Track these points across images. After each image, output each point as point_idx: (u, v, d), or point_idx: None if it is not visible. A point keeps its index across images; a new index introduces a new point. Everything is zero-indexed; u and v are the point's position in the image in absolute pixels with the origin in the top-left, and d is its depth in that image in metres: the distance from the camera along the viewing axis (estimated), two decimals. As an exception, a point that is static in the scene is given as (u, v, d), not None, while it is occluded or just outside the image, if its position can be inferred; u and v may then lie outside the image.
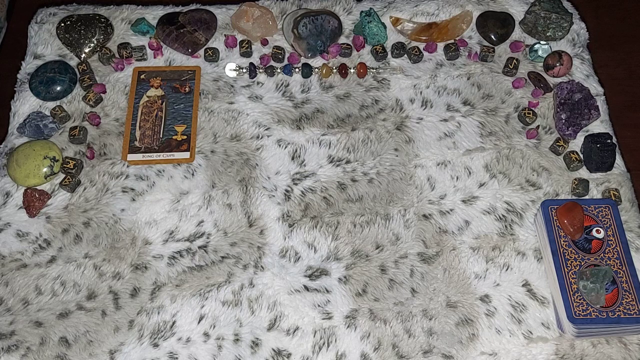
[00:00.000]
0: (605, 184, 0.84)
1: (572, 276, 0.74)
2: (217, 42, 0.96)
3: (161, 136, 0.87)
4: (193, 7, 0.98)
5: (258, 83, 0.92)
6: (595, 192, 0.83)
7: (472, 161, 0.86)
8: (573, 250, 0.75)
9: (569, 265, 0.74)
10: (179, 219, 0.82)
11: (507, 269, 0.79)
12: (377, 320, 0.76)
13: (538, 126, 0.88)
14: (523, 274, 0.78)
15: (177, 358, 0.74)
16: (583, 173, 0.85)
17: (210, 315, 0.76)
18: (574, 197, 0.83)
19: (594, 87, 0.92)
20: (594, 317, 0.71)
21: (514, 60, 0.92)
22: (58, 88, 0.90)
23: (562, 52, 0.91)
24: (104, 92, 0.91)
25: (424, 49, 0.95)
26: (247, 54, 0.94)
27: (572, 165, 0.84)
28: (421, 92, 0.92)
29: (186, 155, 0.86)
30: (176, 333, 0.75)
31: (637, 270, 0.75)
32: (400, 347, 0.74)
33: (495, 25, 0.96)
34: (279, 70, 0.93)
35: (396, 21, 0.97)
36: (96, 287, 0.78)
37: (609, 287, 0.73)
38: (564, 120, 0.86)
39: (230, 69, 0.93)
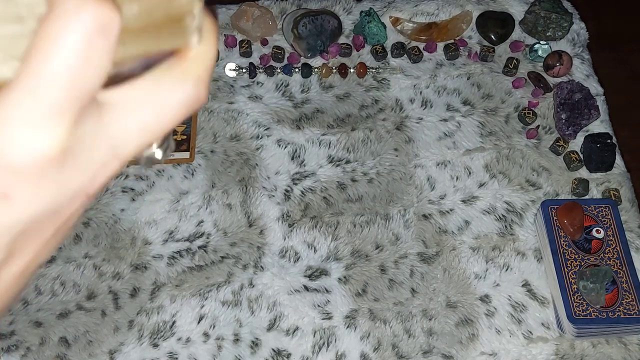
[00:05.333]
0: (605, 184, 0.84)
1: (572, 276, 0.74)
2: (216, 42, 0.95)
3: (161, 136, 0.87)
4: (193, 7, 0.98)
5: (258, 83, 0.92)
6: (595, 192, 0.83)
7: (472, 161, 0.86)
8: (573, 250, 0.75)
9: (569, 265, 0.74)
10: (179, 219, 0.82)
11: (507, 269, 0.79)
12: (377, 320, 0.76)
13: (538, 126, 0.88)
14: (523, 274, 0.78)
15: (176, 358, 0.74)
16: (583, 173, 0.85)
17: (210, 316, 0.76)
18: (574, 197, 0.83)
19: (594, 87, 0.92)
20: (594, 317, 0.71)
21: (514, 60, 0.92)
22: (58, 88, 0.90)
23: (562, 52, 0.91)
24: (104, 92, 0.91)
25: (423, 49, 0.95)
26: (247, 54, 0.94)
27: (572, 165, 0.84)
28: (421, 92, 0.92)
29: (186, 155, 0.86)
30: (176, 333, 0.75)
31: (637, 270, 0.75)
32: (400, 347, 0.74)
33: (495, 25, 0.96)
34: (278, 70, 0.93)
35: (396, 21, 0.97)
36: (96, 287, 0.78)
37: (609, 287, 0.73)
38: (564, 120, 0.86)
39: (230, 69, 0.93)
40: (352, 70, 0.93)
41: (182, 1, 0.22)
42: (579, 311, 0.71)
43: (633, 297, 0.72)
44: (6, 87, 0.19)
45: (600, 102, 0.90)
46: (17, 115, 0.19)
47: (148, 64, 0.23)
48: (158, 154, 0.26)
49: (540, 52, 0.93)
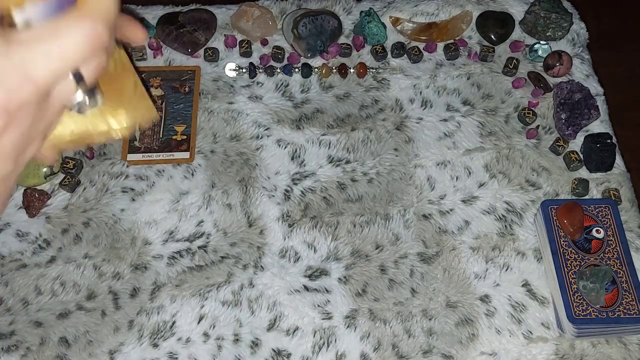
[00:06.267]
0: (605, 184, 0.84)
1: (572, 276, 0.74)
2: (217, 42, 0.96)
3: (161, 136, 0.87)
4: (193, 7, 0.98)
5: (258, 83, 0.92)
6: (595, 192, 0.83)
7: (472, 161, 0.86)
8: (573, 250, 0.75)
9: (568, 265, 0.74)
10: (179, 219, 0.82)
11: (507, 269, 0.79)
12: (377, 320, 0.76)
13: (538, 126, 0.88)
14: (523, 274, 0.78)
15: (176, 358, 0.74)
16: (583, 173, 0.85)
17: (210, 316, 0.76)
18: (574, 197, 0.83)
19: (594, 87, 0.92)
20: (593, 317, 0.71)
21: (514, 60, 0.92)
22: (58, 88, 0.90)
23: (562, 52, 0.91)
24: (104, 92, 0.91)
25: (423, 49, 0.95)
26: (247, 54, 0.94)
27: (572, 165, 0.84)
28: (421, 92, 0.92)
29: (186, 155, 0.86)
30: (176, 333, 0.75)
31: (637, 270, 0.75)
32: (400, 347, 0.74)
33: (495, 25, 0.96)
34: (278, 70, 0.93)
35: (396, 21, 0.97)
36: (96, 287, 0.78)
37: (608, 287, 0.73)
38: (563, 120, 0.86)
39: (230, 69, 0.93)
40: (352, 70, 0.93)
41: None
42: (579, 311, 0.72)
43: (633, 297, 0.72)
44: None
45: (600, 102, 0.90)
46: None
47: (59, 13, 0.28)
48: (85, 100, 0.31)
49: (540, 52, 0.93)
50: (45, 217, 0.82)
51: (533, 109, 0.89)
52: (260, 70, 0.93)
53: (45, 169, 0.83)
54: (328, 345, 0.74)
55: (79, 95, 0.31)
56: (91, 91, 0.32)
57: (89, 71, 0.31)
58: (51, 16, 0.29)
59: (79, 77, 0.31)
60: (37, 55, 0.27)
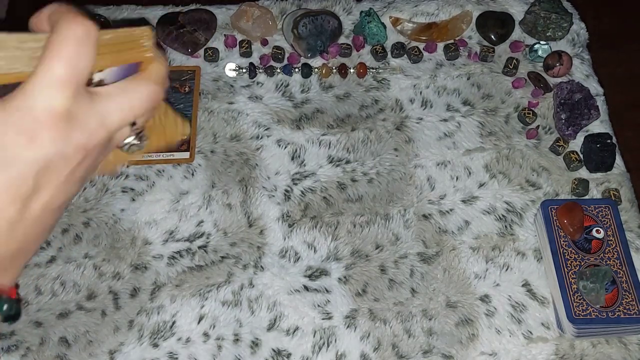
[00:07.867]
0: (605, 184, 0.84)
1: (572, 276, 0.74)
2: (217, 42, 0.96)
3: (161, 136, 0.87)
4: (193, 7, 0.98)
5: (258, 83, 0.92)
6: (595, 192, 0.83)
7: (472, 161, 0.86)
8: (573, 250, 0.75)
9: (568, 265, 0.74)
10: (179, 219, 0.82)
11: (507, 269, 0.79)
12: (377, 320, 0.76)
13: (538, 126, 0.88)
14: (523, 274, 0.78)
15: (176, 358, 0.74)
16: (583, 173, 0.85)
17: (210, 316, 0.76)
18: (574, 197, 0.83)
19: (594, 87, 0.92)
20: (593, 317, 0.71)
21: (514, 60, 0.92)
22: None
23: (562, 52, 0.91)
24: (104, 92, 0.91)
25: (423, 49, 0.95)
26: (247, 54, 0.94)
27: (572, 165, 0.84)
28: (421, 92, 0.92)
29: (186, 155, 0.86)
30: (176, 333, 0.75)
31: (637, 270, 0.75)
32: (400, 347, 0.74)
33: (495, 25, 0.96)
34: (278, 70, 0.93)
35: (396, 21, 0.97)
36: (96, 287, 0.78)
37: (608, 287, 0.73)
38: (563, 120, 0.86)
39: (230, 69, 0.93)
40: (352, 70, 0.93)
41: (138, 30, 0.37)
42: (579, 311, 0.72)
43: (633, 297, 0.72)
44: (32, 74, 0.31)
45: (600, 102, 0.90)
46: (40, 84, 0.31)
47: (125, 76, 0.37)
48: (135, 142, 0.39)
49: (540, 52, 0.93)
50: (45, 217, 0.82)
51: (533, 109, 0.89)
52: (260, 70, 0.93)
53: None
54: (328, 345, 0.74)
55: (130, 138, 0.39)
56: (140, 136, 0.40)
57: (141, 120, 0.39)
58: (120, 78, 0.37)
59: (133, 124, 0.38)
60: (112, 107, 0.35)
